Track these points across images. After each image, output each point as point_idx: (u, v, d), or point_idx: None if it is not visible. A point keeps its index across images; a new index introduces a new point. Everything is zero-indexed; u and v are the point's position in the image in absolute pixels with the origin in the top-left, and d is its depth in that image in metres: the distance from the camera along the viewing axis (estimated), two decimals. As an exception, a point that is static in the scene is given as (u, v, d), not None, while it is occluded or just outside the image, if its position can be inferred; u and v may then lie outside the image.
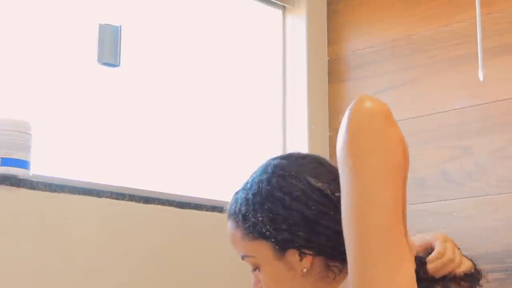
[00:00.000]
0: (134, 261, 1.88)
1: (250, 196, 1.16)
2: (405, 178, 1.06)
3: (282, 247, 1.12)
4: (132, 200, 1.90)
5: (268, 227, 1.13)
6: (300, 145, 2.47)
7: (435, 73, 2.33)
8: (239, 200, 1.18)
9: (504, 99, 2.18)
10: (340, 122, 1.06)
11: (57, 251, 1.74)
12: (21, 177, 1.69)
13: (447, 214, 2.23)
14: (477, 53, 2.11)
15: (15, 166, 1.66)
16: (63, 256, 1.75)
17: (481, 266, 1.18)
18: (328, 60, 2.61)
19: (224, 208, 1.23)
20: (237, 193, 1.20)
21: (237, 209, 1.18)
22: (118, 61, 1.98)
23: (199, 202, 2.06)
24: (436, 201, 2.27)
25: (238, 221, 1.16)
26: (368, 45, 2.51)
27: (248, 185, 1.18)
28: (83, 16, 2.00)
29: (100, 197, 1.84)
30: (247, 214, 1.15)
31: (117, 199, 1.87)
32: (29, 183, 1.70)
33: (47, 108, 1.92)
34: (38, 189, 1.72)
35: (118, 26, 1.98)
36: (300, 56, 2.56)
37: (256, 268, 1.18)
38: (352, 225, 1.01)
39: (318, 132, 2.49)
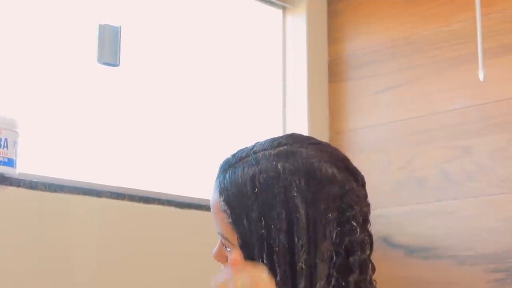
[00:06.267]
0: (133, 261, 1.88)
1: None
2: None
3: None
4: (132, 200, 1.90)
5: None
6: (300, 145, 2.46)
7: (435, 73, 2.33)
8: None
9: (504, 99, 2.18)
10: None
11: (56, 251, 1.74)
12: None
13: (447, 214, 2.23)
14: (477, 53, 2.11)
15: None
16: (62, 256, 1.75)
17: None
18: (328, 60, 2.61)
19: None
20: None
21: None
22: (118, 61, 1.98)
23: (199, 202, 2.06)
24: (436, 201, 2.26)
25: None
26: (368, 45, 2.51)
27: None
28: (83, 16, 2.00)
29: (100, 197, 1.84)
30: None
31: (117, 199, 1.87)
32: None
33: (48, 107, 1.92)
34: (38, 189, 1.72)
35: (118, 26, 1.98)
36: (300, 56, 2.56)
37: None
38: None
39: (318, 132, 2.49)
